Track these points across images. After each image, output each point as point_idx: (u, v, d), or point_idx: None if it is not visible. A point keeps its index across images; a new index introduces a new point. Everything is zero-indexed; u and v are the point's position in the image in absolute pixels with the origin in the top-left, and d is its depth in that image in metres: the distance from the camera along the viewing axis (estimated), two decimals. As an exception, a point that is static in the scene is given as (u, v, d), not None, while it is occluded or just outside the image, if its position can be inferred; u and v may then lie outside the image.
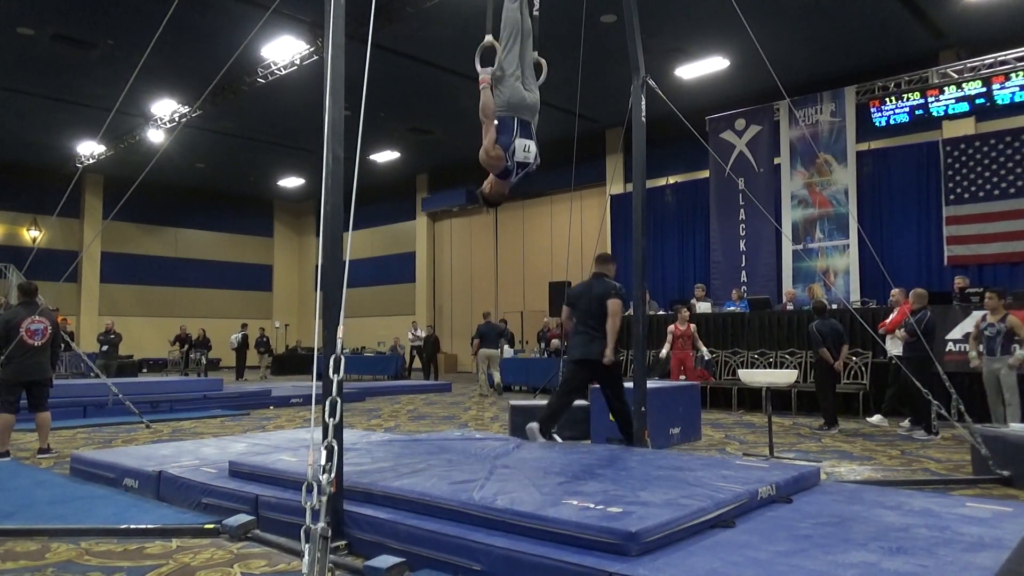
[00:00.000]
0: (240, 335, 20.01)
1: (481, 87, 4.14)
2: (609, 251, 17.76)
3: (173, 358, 21.18)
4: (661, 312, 12.97)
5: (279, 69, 13.86)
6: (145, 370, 21.15)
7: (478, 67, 4.19)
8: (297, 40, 12.98)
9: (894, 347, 8.35)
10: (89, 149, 18.86)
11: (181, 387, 11.99)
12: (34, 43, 12.89)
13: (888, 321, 8.66)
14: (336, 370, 2.94)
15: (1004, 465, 5.18)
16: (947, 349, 9.12)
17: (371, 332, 22.31)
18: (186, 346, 20.07)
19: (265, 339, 20.35)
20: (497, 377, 14.38)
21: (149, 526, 3.91)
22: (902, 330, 8.03)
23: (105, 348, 16.29)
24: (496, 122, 4.14)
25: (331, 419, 2.91)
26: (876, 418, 8.76)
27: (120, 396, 9.04)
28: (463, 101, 15.83)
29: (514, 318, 19.52)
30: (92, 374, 10.98)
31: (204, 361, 19.96)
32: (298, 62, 13.48)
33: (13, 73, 14.38)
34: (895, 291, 9.08)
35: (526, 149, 4.16)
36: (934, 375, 6.34)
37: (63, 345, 8.28)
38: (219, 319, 23.56)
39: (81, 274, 22.24)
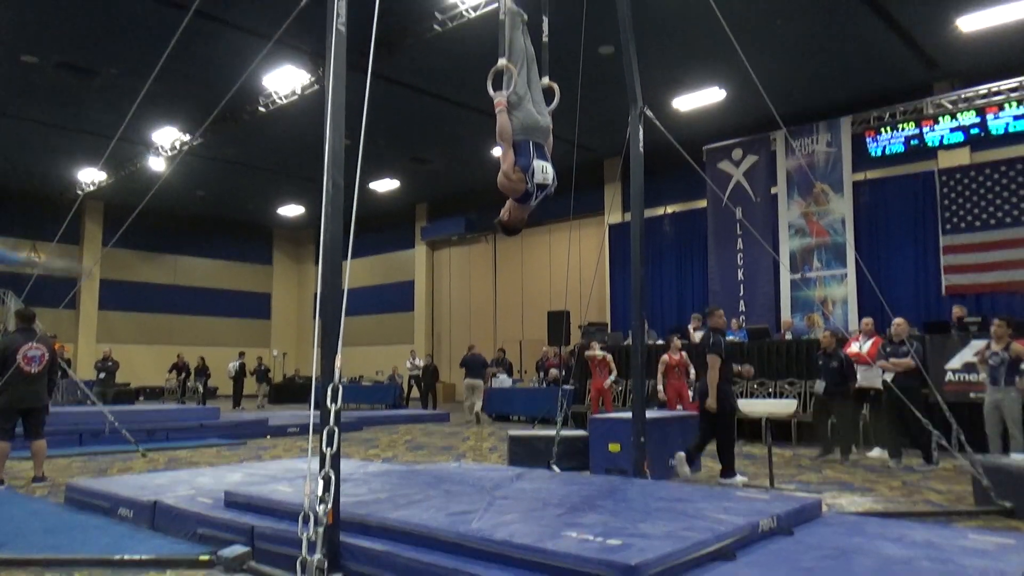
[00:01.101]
0: (238, 363, 19.92)
1: (497, 110, 4.13)
2: (607, 281, 17.90)
3: (170, 386, 21.08)
4: (660, 341, 12.95)
5: (280, 98, 13.99)
6: (142, 398, 21.03)
7: (491, 91, 4.21)
8: (298, 70, 13.12)
9: (872, 378, 8.35)
10: (90, 176, 18.95)
11: (178, 415, 11.91)
12: (38, 71, 13.03)
13: (866, 352, 8.56)
14: (334, 399, 2.93)
15: (1006, 496, 5.14)
16: (946, 379, 9.08)
17: (369, 361, 22.24)
18: (183, 374, 19.97)
19: (263, 368, 20.27)
20: (477, 406, 14.75)
21: (143, 557, 3.86)
22: (888, 360, 7.99)
23: (102, 376, 16.22)
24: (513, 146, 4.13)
25: (328, 448, 2.89)
26: (875, 451, 8.69)
27: (116, 424, 8.98)
28: (462, 130, 15.98)
29: (513, 347, 19.47)
30: (88, 402, 10.92)
31: (201, 389, 19.86)
32: (299, 92, 13.61)
33: (16, 100, 14.51)
34: (898, 320, 8.84)
35: (544, 170, 4.12)
36: (931, 404, 6.31)
37: (60, 372, 8.24)
38: (217, 347, 23.47)
39: (80, 301, 22.21)
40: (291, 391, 21.84)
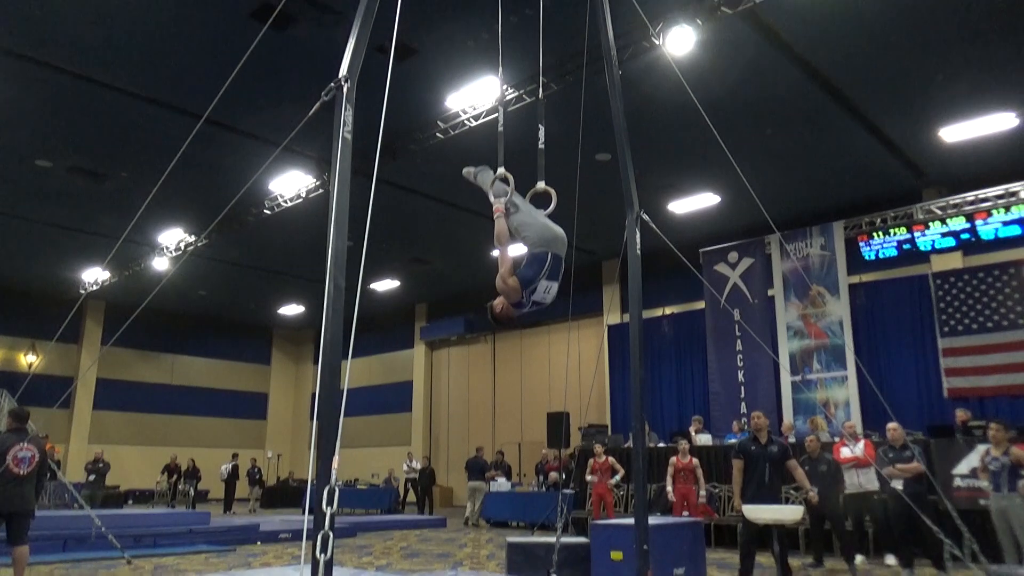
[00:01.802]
0: (230, 465, 19.52)
1: (496, 216, 4.24)
2: (607, 382, 17.78)
3: (160, 489, 20.56)
4: (661, 444, 12.74)
5: (285, 201, 14.31)
6: (131, 501, 20.47)
7: (491, 197, 4.33)
8: (304, 174, 13.49)
9: (871, 480, 8.21)
10: (94, 276, 19.14)
11: (166, 520, 11.58)
12: (50, 174, 13.39)
13: (862, 454, 8.42)
14: (329, 502, 2.86)
15: (1025, 609, 4.93)
16: (955, 485, 8.89)
17: (365, 463, 21.78)
18: (174, 476, 19.53)
19: (256, 470, 19.84)
20: (468, 509, 15.11)
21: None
22: (894, 466, 7.86)
23: (92, 478, 15.86)
24: (528, 258, 4.20)
25: (322, 555, 2.80)
26: (891, 559, 8.42)
27: (103, 529, 8.71)
28: (462, 232, 16.27)
29: (511, 449, 19.13)
30: (76, 505, 10.64)
31: (192, 493, 19.36)
32: (303, 195, 13.94)
33: (27, 203, 14.83)
34: (892, 425, 8.68)
35: (547, 291, 4.18)
36: (941, 512, 6.15)
37: (49, 474, 8.07)
38: (211, 448, 23.04)
39: (74, 400, 21.98)
40: (284, 494, 21.29)
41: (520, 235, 4.33)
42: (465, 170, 4.85)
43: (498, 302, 4.31)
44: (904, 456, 7.90)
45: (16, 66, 9.98)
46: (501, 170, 4.38)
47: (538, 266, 4.17)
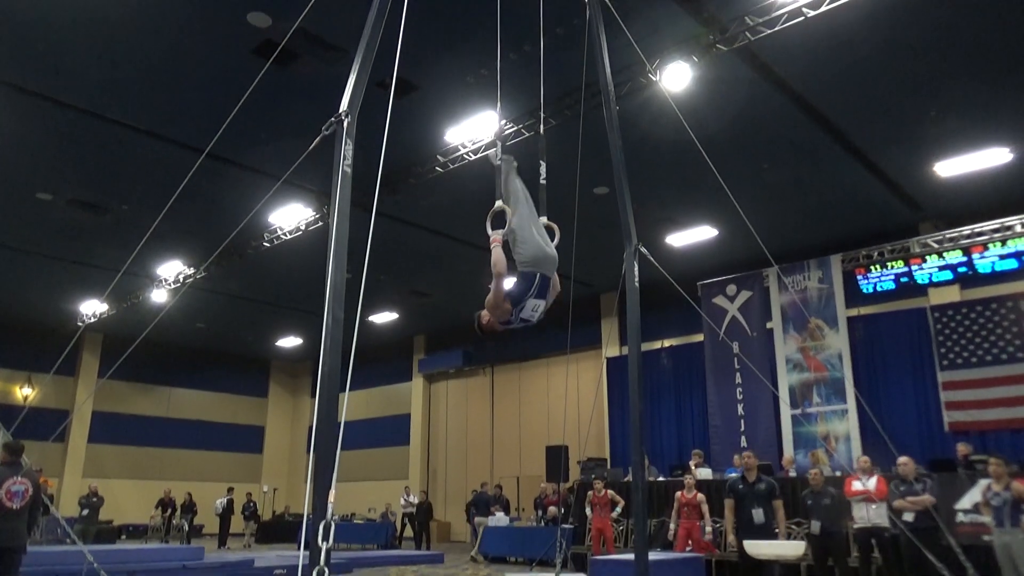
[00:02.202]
0: (225, 500, 19.30)
1: (492, 245, 4.33)
2: (606, 415, 17.70)
3: (155, 523, 20.30)
4: (661, 478, 12.63)
5: (285, 234, 14.36)
6: (124, 536, 20.19)
7: (489, 230, 4.41)
8: (304, 207, 13.55)
9: (881, 515, 8.10)
10: (92, 308, 19.11)
11: (160, 556, 11.40)
12: (51, 207, 13.44)
13: (873, 489, 8.34)
14: (325, 537, 2.83)
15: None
16: (957, 520, 8.79)
17: (362, 497, 21.56)
18: (168, 511, 19.30)
19: (252, 504, 19.61)
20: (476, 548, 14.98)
21: None
22: (905, 499, 7.79)
23: (86, 512, 15.67)
24: (518, 276, 4.34)
25: (317, 591, 2.76)
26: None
27: (95, 565, 8.57)
28: (461, 265, 16.30)
29: (510, 484, 18.96)
30: (68, 540, 10.50)
31: (187, 527, 19.11)
32: (303, 228, 13.99)
33: (26, 235, 14.88)
34: (903, 459, 8.63)
35: (534, 309, 4.31)
36: (944, 548, 6.09)
37: (42, 509, 7.97)
38: (206, 482, 22.80)
39: (69, 434, 21.79)
40: (280, 529, 21.00)
41: (514, 247, 4.42)
42: (492, 152, 4.86)
43: (485, 314, 4.44)
44: (915, 490, 7.83)
45: (19, 100, 10.08)
46: (499, 203, 4.44)
47: (526, 285, 4.29)
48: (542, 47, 5.94)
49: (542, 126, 5.99)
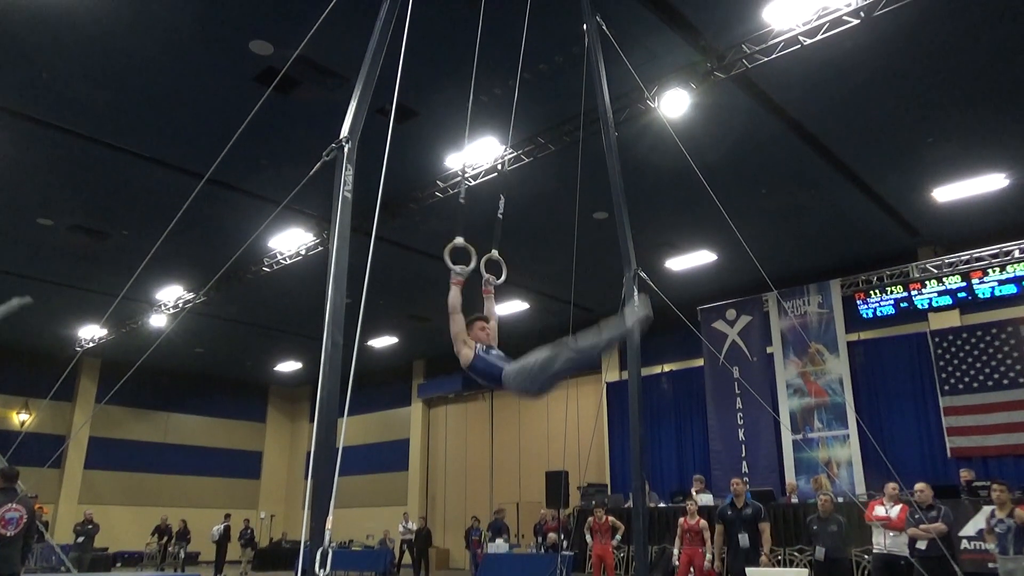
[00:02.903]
0: (222, 527, 19.09)
1: (453, 283, 4.40)
2: (606, 440, 17.59)
3: (150, 551, 20.08)
4: (662, 504, 12.53)
5: (284, 258, 14.37)
6: (120, 564, 19.98)
7: (449, 264, 4.42)
8: (304, 232, 13.58)
9: (900, 544, 8.00)
10: (90, 333, 19.07)
11: (155, 583, 11.28)
12: (51, 233, 13.46)
13: (895, 518, 8.27)
14: (323, 564, 2.80)
15: None
16: (962, 547, 8.71)
17: (360, 524, 21.35)
18: (164, 538, 19.09)
19: (249, 531, 19.42)
20: None
21: None
22: (919, 527, 7.71)
23: (81, 539, 15.49)
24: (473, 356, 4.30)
25: (313, 621, 2.72)
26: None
27: (89, 593, 8.49)
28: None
29: (510, 509, 18.79)
30: (63, 568, 10.38)
31: (182, 555, 18.90)
32: (303, 252, 14.00)
33: (26, 260, 14.88)
34: (920, 485, 8.39)
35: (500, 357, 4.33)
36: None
37: (36, 535, 7.90)
38: (203, 508, 22.59)
39: (66, 460, 21.63)
40: (277, 556, 20.75)
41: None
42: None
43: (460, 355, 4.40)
44: (930, 517, 7.77)
45: (20, 126, 10.14)
46: (459, 240, 4.47)
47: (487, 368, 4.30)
48: (519, 81, 5.98)
49: (504, 164, 6.00)
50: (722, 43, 8.62)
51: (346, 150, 3.66)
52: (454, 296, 4.38)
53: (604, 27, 6.09)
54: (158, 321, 17.27)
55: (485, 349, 4.32)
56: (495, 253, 4.76)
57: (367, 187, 4.00)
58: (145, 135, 10.49)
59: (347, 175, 3.65)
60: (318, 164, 3.73)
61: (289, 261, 14.34)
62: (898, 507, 8.37)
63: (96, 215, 12.94)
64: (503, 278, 4.74)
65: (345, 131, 3.72)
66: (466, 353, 4.28)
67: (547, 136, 10.20)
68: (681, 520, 10.20)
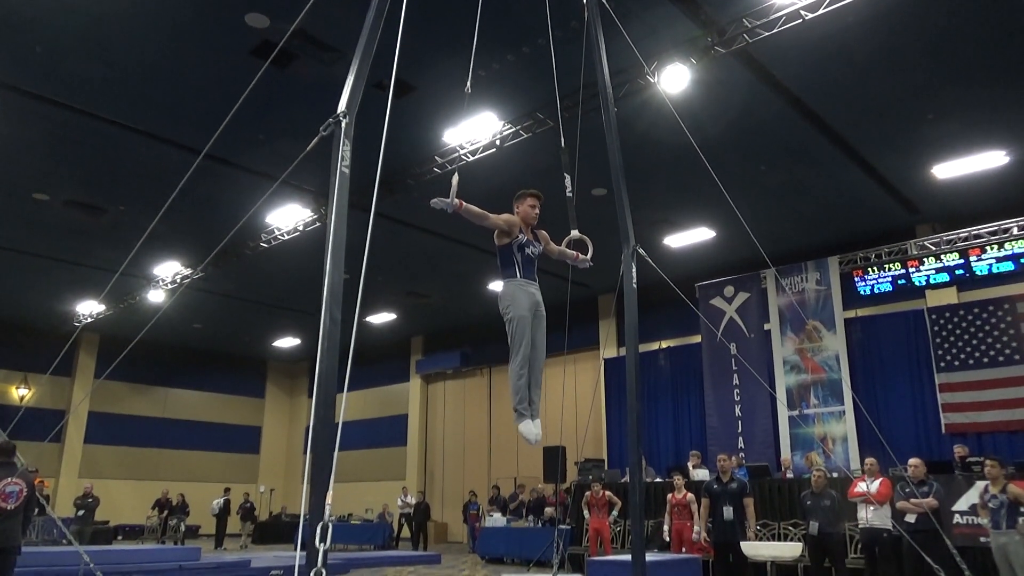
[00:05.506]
0: (222, 500, 19.27)
1: (460, 210, 4.77)
2: (603, 416, 17.69)
3: (151, 524, 20.27)
4: (658, 480, 12.63)
5: (282, 234, 14.34)
6: (120, 537, 20.16)
7: (453, 195, 4.71)
8: (301, 208, 13.54)
9: (883, 517, 8.10)
10: (89, 309, 19.08)
11: (156, 556, 11.40)
12: (47, 208, 13.40)
13: (875, 492, 8.37)
14: (323, 538, 2.83)
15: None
16: (954, 522, 8.81)
17: (359, 498, 21.54)
18: (165, 511, 19.27)
19: (249, 505, 19.57)
20: None
21: None
22: (908, 500, 7.80)
23: (81, 513, 15.63)
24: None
25: (314, 593, 2.75)
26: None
27: (91, 565, 8.56)
28: (459, 266, 16.31)
29: (507, 484, 18.93)
30: (64, 540, 10.48)
31: (182, 528, 19.07)
32: (301, 228, 13.97)
33: (22, 235, 14.84)
34: (914, 461, 8.54)
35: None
36: (945, 550, 6.09)
37: (37, 509, 7.96)
38: (203, 483, 22.77)
39: (65, 434, 21.74)
40: (276, 530, 20.98)
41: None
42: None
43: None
44: (922, 492, 7.86)
45: (15, 101, 10.05)
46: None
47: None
48: (553, 47, 5.93)
49: (563, 139, 5.97)
50: (723, 17, 8.54)
51: (343, 125, 3.62)
52: (474, 211, 4.64)
53: (604, 0, 6.02)
54: (156, 297, 17.27)
55: (524, 244, 4.51)
56: (575, 232, 4.82)
57: (365, 162, 3.98)
58: (140, 109, 10.40)
59: (345, 150, 3.63)
60: (315, 139, 3.69)
61: (287, 237, 14.31)
62: (877, 482, 8.48)
63: (92, 190, 12.87)
64: (590, 253, 4.77)
65: (342, 106, 3.69)
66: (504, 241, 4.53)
67: (545, 111, 10.14)
68: (669, 495, 10.32)
